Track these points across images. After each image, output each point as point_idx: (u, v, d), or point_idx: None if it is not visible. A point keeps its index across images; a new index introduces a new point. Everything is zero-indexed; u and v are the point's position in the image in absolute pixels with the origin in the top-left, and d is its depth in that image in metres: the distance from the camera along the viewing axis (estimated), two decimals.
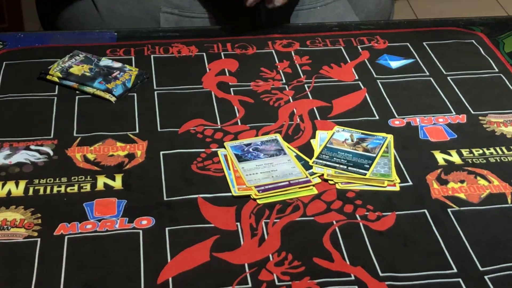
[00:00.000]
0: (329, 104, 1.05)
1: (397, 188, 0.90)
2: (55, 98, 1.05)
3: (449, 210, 0.87)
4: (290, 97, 1.07)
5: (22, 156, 0.94)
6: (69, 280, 0.76)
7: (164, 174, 0.91)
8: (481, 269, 0.79)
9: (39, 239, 0.81)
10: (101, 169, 0.92)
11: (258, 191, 0.88)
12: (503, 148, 0.97)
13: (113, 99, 1.05)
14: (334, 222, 0.85)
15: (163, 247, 0.81)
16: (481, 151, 0.97)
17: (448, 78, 1.12)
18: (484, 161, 0.95)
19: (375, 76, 1.12)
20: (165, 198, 0.87)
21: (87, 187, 0.89)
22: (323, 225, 0.84)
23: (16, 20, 2.71)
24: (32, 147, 0.95)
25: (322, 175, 0.91)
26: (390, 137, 0.98)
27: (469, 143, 0.98)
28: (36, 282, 0.76)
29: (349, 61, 1.16)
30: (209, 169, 0.92)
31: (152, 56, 1.16)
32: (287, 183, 0.89)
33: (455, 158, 0.95)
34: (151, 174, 0.91)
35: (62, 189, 0.89)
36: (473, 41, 1.22)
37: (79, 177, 0.90)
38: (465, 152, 0.97)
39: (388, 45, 1.20)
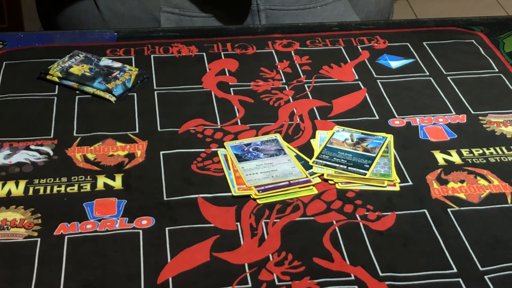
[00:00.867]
0: (329, 104, 1.05)
1: (397, 188, 0.90)
2: (55, 98, 1.05)
3: (449, 210, 0.87)
4: (290, 97, 1.07)
5: (22, 156, 0.94)
6: (69, 280, 0.76)
7: (164, 174, 0.91)
8: (481, 269, 0.79)
9: (39, 239, 0.81)
10: (101, 169, 0.92)
11: (258, 191, 0.88)
12: (503, 148, 0.97)
13: (113, 99, 1.05)
14: (334, 222, 0.85)
15: (163, 247, 0.81)
16: (481, 151, 0.97)
17: (448, 78, 1.12)
18: (484, 161, 0.95)
19: (375, 76, 1.12)
20: (165, 198, 0.87)
21: (87, 187, 0.89)
22: (323, 225, 0.84)
23: (16, 20, 2.71)
24: (32, 147, 0.95)
25: (322, 175, 0.91)
26: (390, 137, 0.98)
27: (469, 143, 0.98)
28: (36, 282, 0.76)
29: (349, 61, 1.16)
30: (209, 169, 0.92)
31: (152, 56, 1.16)
32: (287, 183, 0.89)
33: (455, 158, 0.95)
34: (151, 174, 0.91)
35: (62, 189, 0.89)
36: (473, 41, 1.22)
37: (79, 177, 0.90)
38: (465, 152, 0.97)
39: (388, 45, 1.20)
